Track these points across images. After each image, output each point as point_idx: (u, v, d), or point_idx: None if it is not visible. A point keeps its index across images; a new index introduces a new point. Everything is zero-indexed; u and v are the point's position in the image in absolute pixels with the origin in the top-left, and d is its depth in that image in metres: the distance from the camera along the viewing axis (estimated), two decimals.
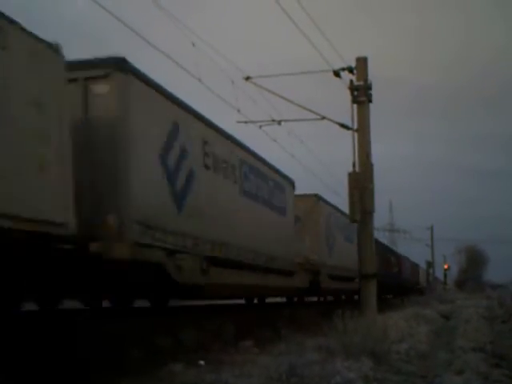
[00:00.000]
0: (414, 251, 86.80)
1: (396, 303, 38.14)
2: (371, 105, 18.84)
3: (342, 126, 18.90)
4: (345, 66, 18.65)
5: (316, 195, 24.20)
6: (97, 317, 12.06)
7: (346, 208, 19.57)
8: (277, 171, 19.06)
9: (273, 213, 18.15)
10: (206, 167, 13.16)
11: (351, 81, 18.61)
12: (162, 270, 10.91)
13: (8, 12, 7.84)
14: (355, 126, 18.63)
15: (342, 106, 19.72)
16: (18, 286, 8.92)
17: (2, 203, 7.48)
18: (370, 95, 18.66)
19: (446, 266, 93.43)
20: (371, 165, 18.69)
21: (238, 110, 16.97)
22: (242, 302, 21.67)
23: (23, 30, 8.14)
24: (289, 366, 9.38)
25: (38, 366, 8.87)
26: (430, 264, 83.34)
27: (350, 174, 18.42)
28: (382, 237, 54.30)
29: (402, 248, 64.06)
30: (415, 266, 65.15)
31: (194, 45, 13.82)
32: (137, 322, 12.41)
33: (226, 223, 13.97)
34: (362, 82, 18.57)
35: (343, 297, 31.44)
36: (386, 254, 39.18)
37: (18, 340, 9.10)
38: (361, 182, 18.28)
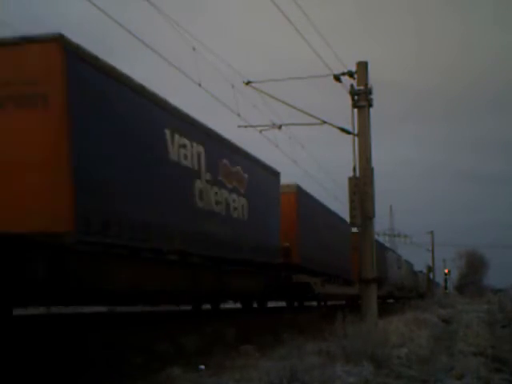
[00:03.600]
0: (414, 256, 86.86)
1: (396, 308, 38.07)
2: (371, 109, 18.89)
3: (343, 130, 18.93)
4: (345, 70, 18.71)
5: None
6: (97, 322, 12.05)
7: (346, 213, 19.63)
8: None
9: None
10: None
11: (352, 85, 18.65)
12: None
13: None
14: (356, 131, 18.66)
15: (343, 110, 19.77)
16: None
17: None
18: (371, 100, 18.70)
19: (446, 271, 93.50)
20: (371, 169, 18.71)
21: (239, 115, 17.01)
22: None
23: None
24: (290, 371, 9.37)
25: (39, 370, 8.87)
26: (430, 269, 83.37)
27: (350, 179, 18.45)
28: (382, 241, 54.10)
29: (403, 253, 63.89)
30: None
31: (194, 49, 13.86)
32: (137, 326, 12.40)
33: None
34: (362, 87, 18.61)
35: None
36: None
37: (18, 344, 9.10)
38: (361, 187, 18.30)
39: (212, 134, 14.07)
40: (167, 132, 11.84)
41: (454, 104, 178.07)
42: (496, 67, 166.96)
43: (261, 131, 19.43)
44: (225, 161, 14.58)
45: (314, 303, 28.19)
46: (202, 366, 11.02)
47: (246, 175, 15.85)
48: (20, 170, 8.92)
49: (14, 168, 8.91)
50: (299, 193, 20.38)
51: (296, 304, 24.74)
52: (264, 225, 17.15)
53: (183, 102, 12.60)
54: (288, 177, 20.43)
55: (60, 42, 8.97)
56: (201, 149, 13.22)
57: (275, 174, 18.51)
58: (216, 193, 13.96)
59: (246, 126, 18.86)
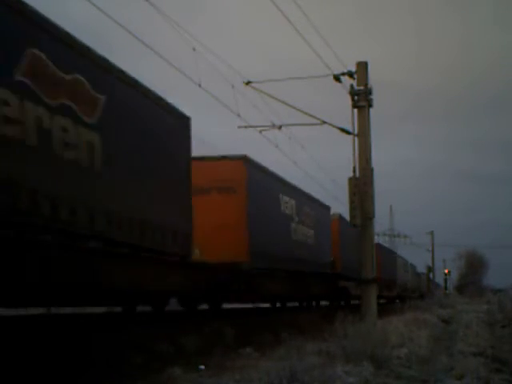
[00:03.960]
0: (414, 256, 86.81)
1: (396, 308, 38.08)
2: (371, 109, 18.88)
3: (343, 130, 18.93)
4: (345, 70, 18.70)
5: None
6: (97, 322, 12.06)
7: (346, 213, 19.65)
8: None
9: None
10: None
11: (351, 85, 18.63)
12: None
13: None
14: (355, 131, 18.65)
15: (343, 110, 19.76)
16: None
17: None
18: (371, 100, 18.69)
19: (446, 271, 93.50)
20: (371, 169, 18.71)
21: (239, 115, 17.01)
22: (243, 306, 21.67)
23: None
24: (289, 371, 9.37)
25: (41, 371, 8.87)
26: (430, 269, 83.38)
27: (350, 179, 18.44)
28: (382, 242, 54.24)
29: (402, 253, 63.90)
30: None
31: (194, 49, 13.86)
32: (138, 327, 12.40)
33: None
34: (362, 87, 18.60)
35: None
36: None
37: (19, 344, 9.11)
38: (361, 187, 18.30)
39: (298, 190, 22.19)
40: (280, 195, 19.86)
41: (454, 104, 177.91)
42: (496, 67, 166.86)
43: (261, 131, 19.43)
44: (305, 207, 22.65)
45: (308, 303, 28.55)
46: (202, 367, 11.04)
47: (313, 213, 23.56)
48: (223, 228, 16.23)
49: (220, 227, 16.18)
50: (340, 219, 28.24)
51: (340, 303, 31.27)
52: (322, 246, 24.97)
53: (183, 102, 12.62)
54: (288, 177, 20.56)
55: (244, 159, 16.96)
56: (293, 202, 21.18)
57: (328, 208, 26.99)
58: (301, 229, 21.93)
59: (245, 127, 18.88)
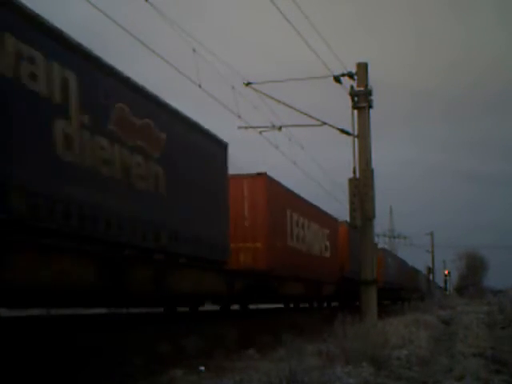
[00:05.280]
0: (414, 257, 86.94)
1: (396, 309, 38.08)
2: (371, 110, 18.89)
3: (343, 131, 18.93)
4: (345, 71, 18.71)
5: None
6: (98, 323, 12.06)
7: (346, 214, 19.75)
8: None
9: None
10: None
11: (352, 86, 18.64)
12: None
13: None
14: (356, 132, 18.66)
15: (343, 111, 19.79)
16: None
17: None
18: (371, 101, 18.70)
19: (446, 272, 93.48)
20: (371, 171, 18.71)
21: (239, 116, 17.00)
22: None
23: None
24: (289, 372, 9.37)
25: (42, 373, 8.88)
26: (430, 270, 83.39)
27: (350, 180, 18.44)
28: (382, 243, 54.51)
29: (402, 254, 64.07)
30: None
31: (194, 50, 13.86)
32: (138, 329, 12.41)
33: None
34: (362, 88, 18.61)
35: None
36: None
37: (19, 345, 9.12)
38: (361, 188, 18.30)
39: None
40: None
41: (454, 104, 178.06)
42: (496, 67, 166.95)
43: (261, 132, 19.43)
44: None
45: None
46: (202, 368, 11.03)
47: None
48: None
49: None
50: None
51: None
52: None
53: (183, 102, 12.57)
54: (288, 177, 20.75)
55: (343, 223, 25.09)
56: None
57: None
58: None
59: (246, 127, 18.87)
